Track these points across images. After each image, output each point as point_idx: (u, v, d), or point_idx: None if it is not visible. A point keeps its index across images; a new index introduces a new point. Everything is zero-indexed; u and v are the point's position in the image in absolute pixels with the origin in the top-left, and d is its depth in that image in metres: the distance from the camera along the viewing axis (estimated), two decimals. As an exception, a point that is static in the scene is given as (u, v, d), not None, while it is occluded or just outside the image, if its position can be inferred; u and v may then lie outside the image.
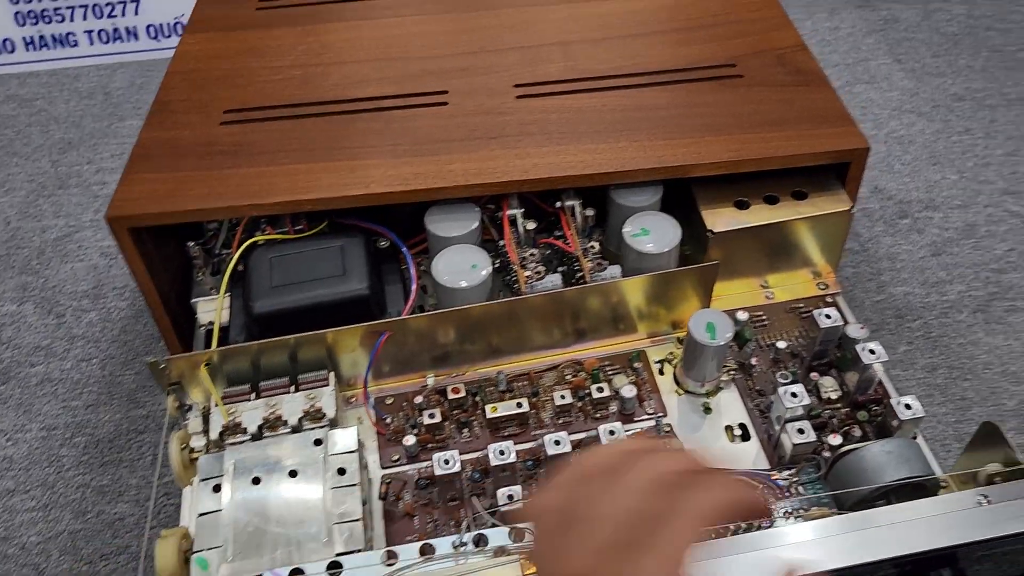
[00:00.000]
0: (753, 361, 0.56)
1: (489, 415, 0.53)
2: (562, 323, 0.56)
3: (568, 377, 0.56)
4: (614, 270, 0.57)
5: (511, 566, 0.43)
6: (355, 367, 0.55)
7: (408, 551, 0.44)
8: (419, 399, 0.55)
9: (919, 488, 0.46)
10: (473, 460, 0.52)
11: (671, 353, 0.57)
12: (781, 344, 0.57)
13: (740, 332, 0.57)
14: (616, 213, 0.60)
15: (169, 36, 1.12)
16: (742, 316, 0.58)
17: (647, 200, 0.59)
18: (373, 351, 0.53)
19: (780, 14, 0.71)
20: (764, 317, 0.59)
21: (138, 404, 0.69)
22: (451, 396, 0.54)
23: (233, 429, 0.51)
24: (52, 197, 0.90)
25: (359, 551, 0.45)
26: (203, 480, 0.48)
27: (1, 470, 0.66)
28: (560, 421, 0.54)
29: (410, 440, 0.52)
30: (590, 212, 0.60)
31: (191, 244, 0.62)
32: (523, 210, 0.59)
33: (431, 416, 0.53)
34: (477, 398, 0.55)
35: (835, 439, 0.51)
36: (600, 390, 0.54)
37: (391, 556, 0.44)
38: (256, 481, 0.48)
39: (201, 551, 0.46)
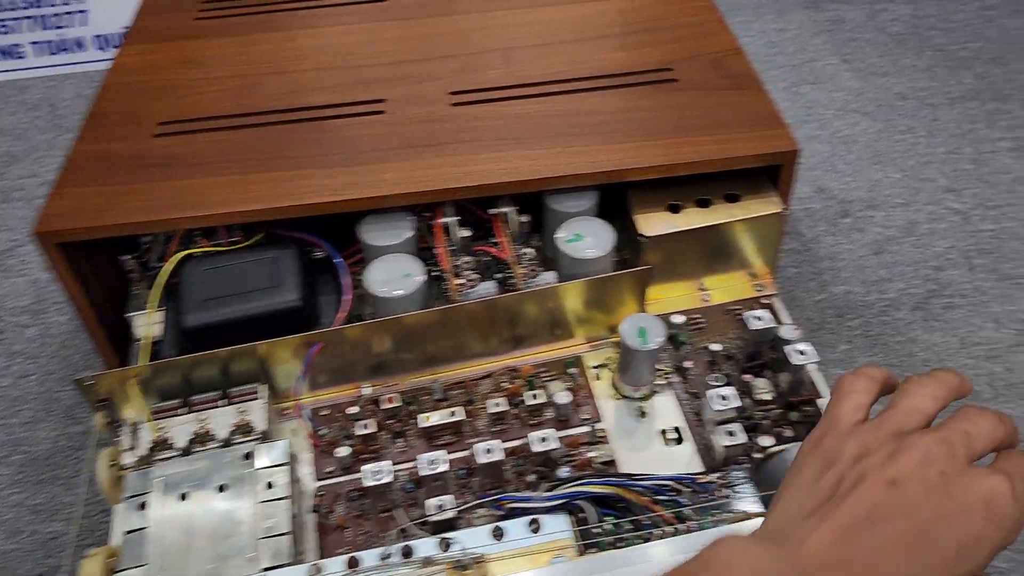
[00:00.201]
0: (688, 364, 0.57)
1: (423, 424, 0.53)
2: (498, 330, 0.56)
3: (504, 384, 0.56)
4: (548, 276, 0.57)
5: (438, 576, 0.43)
6: (291, 379, 0.55)
7: (335, 564, 0.44)
8: (354, 409, 0.55)
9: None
10: (407, 470, 0.52)
11: (608, 358, 0.57)
12: (715, 347, 0.57)
13: (675, 335, 0.58)
14: (552, 219, 0.60)
15: (118, 47, 1.11)
16: (678, 319, 0.58)
17: (582, 205, 0.59)
18: (305, 362, 0.53)
19: (717, 18, 0.71)
20: (701, 319, 0.59)
21: (76, 420, 0.68)
22: (385, 406, 0.54)
23: (162, 445, 0.50)
24: (-5, 211, 0.89)
25: (286, 565, 0.45)
26: (130, 497, 0.48)
27: (-63, 490, 0.65)
28: (495, 429, 0.54)
29: (344, 451, 0.52)
30: (525, 218, 0.60)
31: (125, 258, 0.61)
32: (458, 218, 0.59)
33: (365, 427, 0.53)
34: (412, 407, 0.55)
35: (766, 440, 0.51)
36: (535, 397, 0.54)
37: (317, 569, 0.44)
38: (184, 497, 0.47)
39: (127, 569, 0.45)
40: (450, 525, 0.47)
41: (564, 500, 0.47)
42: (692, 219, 0.58)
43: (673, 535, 0.46)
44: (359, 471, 0.52)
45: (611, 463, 0.52)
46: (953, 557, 0.32)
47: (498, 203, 0.60)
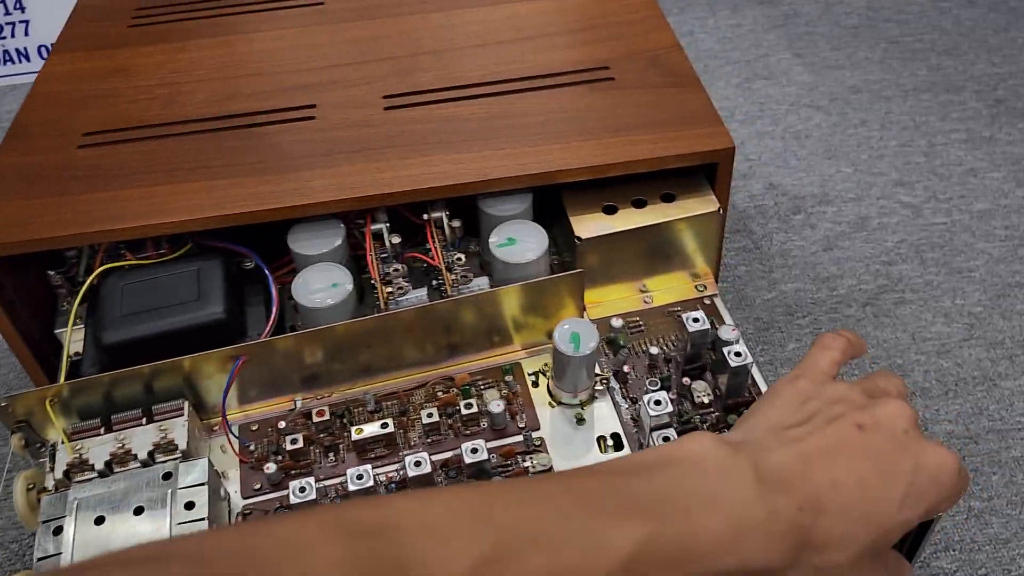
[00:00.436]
0: (627, 368, 0.55)
1: (355, 437, 0.52)
2: (433, 338, 0.55)
3: (439, 394, 0.54)
4: (481, 281, 0.56)
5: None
6: (218, 395, 0.53)
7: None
8: (283, 424, 0.53)
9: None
10: (337, 485, 0.50)
11: (545, 364, 0.56)
12: (654, 350, 0.56)
13: (614, 339, 0.57)
14: (486, 223, 0.58)
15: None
16: (616, 323, 0.57)
17: (516, 209, 0.58)
18: (229, 376, 0.52)
19: (657, 14, 0.70)
20: (640, 322, 0.58)
21: (5, 442, 0.66)
22: (316, 419, 0.53)
23: (80, 466, 0.48)
24: (-67, 227, 0.87)
25: (202, 589, 0.43)
26: (45, 522, 0.46)
27: None
28: (429, 440, 0.53)
29: (271, 468, 0.51)
30: (456, 223, 0.59)
31: (51, 273, 0.60)
32: (388, 224, 0.57)
33: (294, 441, 0.51)
34: (344, 420, 0.53)
35: (703, 445, 0.50)
36: (469, 406, 0.53)
37: (233, 593, 0.42)
38: (100, 520, 0.46)
39: (38, 598, 0.43)
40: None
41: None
42: (628, 220, 0.57)
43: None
44: (288, 487, 0.50)
45: (548, 471, 0.50)
46: (896, 503, 0.37)
47: (430, 208, 0.58)
